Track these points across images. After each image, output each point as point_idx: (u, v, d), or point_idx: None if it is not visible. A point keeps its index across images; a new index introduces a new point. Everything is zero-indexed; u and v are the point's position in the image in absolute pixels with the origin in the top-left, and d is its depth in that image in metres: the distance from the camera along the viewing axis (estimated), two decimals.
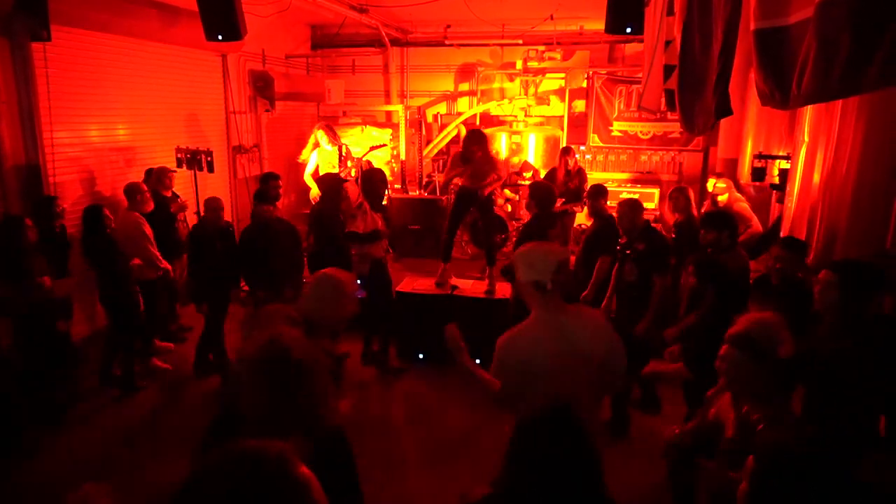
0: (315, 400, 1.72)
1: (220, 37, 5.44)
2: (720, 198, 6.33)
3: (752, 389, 2.24)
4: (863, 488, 1.41)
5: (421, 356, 5.80)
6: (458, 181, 6.05)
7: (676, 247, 5.47)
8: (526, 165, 8.86)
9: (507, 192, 8.75)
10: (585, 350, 2.28)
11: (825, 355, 2.72)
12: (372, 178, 5.62)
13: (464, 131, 9.89)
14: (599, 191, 5.38)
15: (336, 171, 7.45)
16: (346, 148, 7.78)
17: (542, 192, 5.23)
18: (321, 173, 7.39)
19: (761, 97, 2.82)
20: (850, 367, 2.64)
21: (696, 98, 3.81)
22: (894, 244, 3.92)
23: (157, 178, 6.08)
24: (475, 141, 5.85)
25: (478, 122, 10.15)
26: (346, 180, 6.55)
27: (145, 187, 5.61)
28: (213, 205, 5.41)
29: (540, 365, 2.24)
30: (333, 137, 7.56)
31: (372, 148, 8.32)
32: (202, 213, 5.68)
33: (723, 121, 7.70)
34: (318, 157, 7.59)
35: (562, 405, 1.65)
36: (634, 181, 9.44)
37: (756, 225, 6.07)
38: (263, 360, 1.68)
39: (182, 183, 6.77)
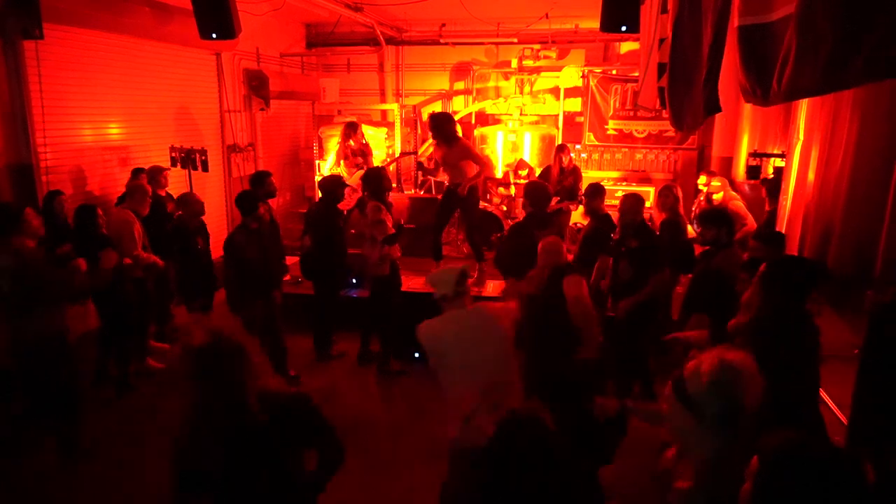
0: (239, 378, 2.00)
1: (214, 35, 5.41)
2: (715, 196, 6.34)
3: (686, 447, 1.76)
4: (872, 491, 1.37)
5: (416, 355, 5.79)
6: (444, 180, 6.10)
7: (660, 244, 5.50)
8: (521, 163, 8.85)
9: (501, 189, 8.74)
10: (489, 331, 2.87)
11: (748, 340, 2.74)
12: (378, 177, 5.61)
13: (460, 130, 9.88)
14: (597, 190, 5.39)
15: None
16: (368, 148, 7.77)
17: (536, 192, 5.25)
18: (340, 169, 7.44)
19: (743, 93, 2.85)
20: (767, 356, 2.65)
21: (686, 95, 3.83)
22: (888, 243, 3.92)
23: (152, 177, 6.04)
24: (431, 126, 5.87)
25: (473, 121, 10.15)
26: (353, 187, 6.56)
27: (150, 189, 5.56)
28: (188, 199, 5.34)
29: (447, 344, 2.86)
30: (355, 136, 7.60)
31: (402, 154, 8.40)
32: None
33: (718, 119, 7.81)
34: (336, 156, 7.61)
35: (525, 415, 1.69)
36: (629, 180, 9.46)
37: (751, 223, 6.08)
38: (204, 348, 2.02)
39: (177, 182, 6.74)
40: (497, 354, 2.88)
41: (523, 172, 8.51)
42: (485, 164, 5.99)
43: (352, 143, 7.40)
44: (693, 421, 1.66)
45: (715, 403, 1.63)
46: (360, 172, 7.34)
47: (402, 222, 5.70)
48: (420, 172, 8.79)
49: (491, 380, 2.80)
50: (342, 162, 7.55)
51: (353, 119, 9.71)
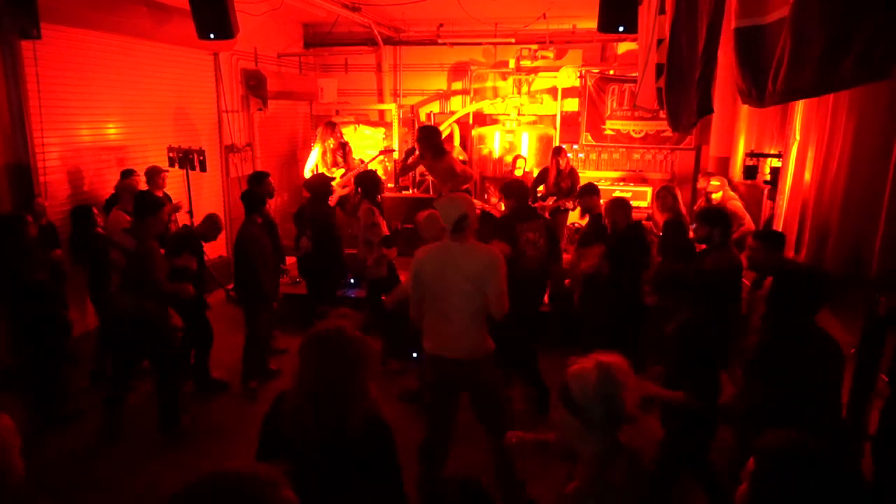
0: (363, 384, 2.00)
1: (212, 35, 5.41)
2: (714, 196, 6.35)
3: (576, 451, 1.81)
4: (868, 490, 1.37)
5: (415, 354, 5.80)
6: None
7: (663, 245, 5.52)
8: (517, 158, 8.80)
9: None
10: (461, 266, 3.22)
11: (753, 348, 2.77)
12: (371, 179, 5.61)
13: (457, 130, 9.88)
14: (590, 189, 5.41)
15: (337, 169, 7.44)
16: (348, 146, 7.73)
17: (513, 189, 5.18)
18: (320, 171, 7.40)
19: (740, 95, 2.88)
20: (774, 363, 2.65)
21: (682, 96, 3.85)
22: (884, 242, 3.94)
23: (150, 178, 6.03)
24: (420, 137, 5.95)
25: (471, 121, 10.16)
26: (333, 179, 6.53)
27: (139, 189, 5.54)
28: (216, 224, 5.32)
29: (428, 270, 3.30)
30: (333, 134, 7.56)
31: (381, 152, 8.37)
32: (194, 216, 5.61)
33: (715, 119, 7.82)
34: (319, 155, 7.57)
35: (467, 482, 1.63)
36: (627, 180, 9.47)
37: (749, 223, 6.10)
38: (331, 338, 1.93)
39: (175, 183, 6.73)
40: (466, 290, 3.19)
41: (521, 163, 8.41)
42: (468, 178, 6.13)
43: (331, 141, 7.37)
44: (579, 425, 1.73)
45: (600, 407, 1.70)
46: (341, 171, 7.34)
47: (399, 226, 5.72)
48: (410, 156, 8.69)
49: (457, 314, 3.21)
50: (321, 160, 7.53)
51: (351, 118, 9.73)
